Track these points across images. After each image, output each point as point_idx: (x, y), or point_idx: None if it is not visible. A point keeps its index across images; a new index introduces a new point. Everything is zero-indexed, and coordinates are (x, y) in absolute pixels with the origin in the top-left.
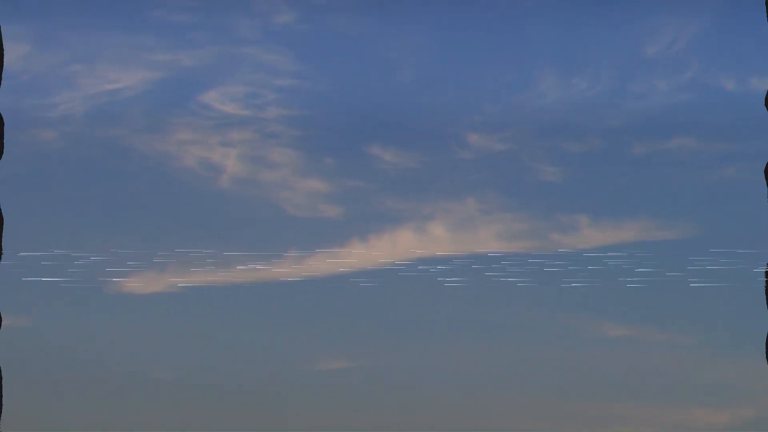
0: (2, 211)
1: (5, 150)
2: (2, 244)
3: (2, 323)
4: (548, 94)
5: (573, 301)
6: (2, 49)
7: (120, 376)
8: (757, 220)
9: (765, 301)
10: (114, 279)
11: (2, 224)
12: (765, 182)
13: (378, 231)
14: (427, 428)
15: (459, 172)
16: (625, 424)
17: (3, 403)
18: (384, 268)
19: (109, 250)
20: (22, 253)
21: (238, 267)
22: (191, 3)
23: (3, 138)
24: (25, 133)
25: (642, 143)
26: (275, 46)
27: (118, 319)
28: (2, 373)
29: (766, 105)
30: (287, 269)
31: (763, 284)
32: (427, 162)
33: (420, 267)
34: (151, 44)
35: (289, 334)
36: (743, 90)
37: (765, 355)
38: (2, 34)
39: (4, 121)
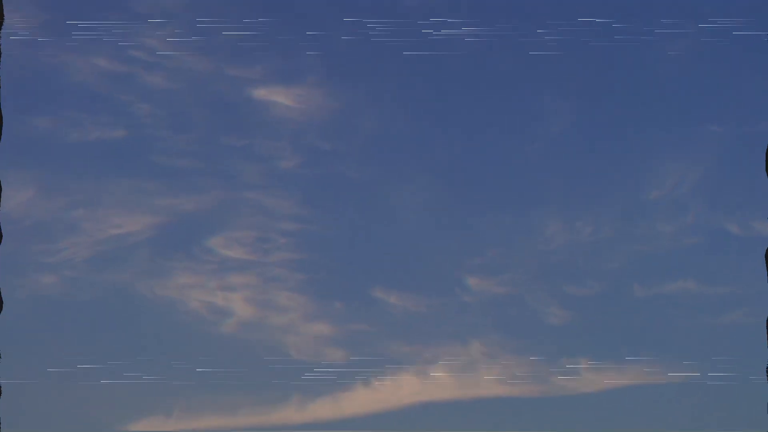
0: (1, 354)
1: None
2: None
3: None
4: (552, 237)
5: None
6: None
7: None
8: (758, 365)
9: None
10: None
11: None
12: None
13: (381, 374)
14: None
15: (463, 314)
16: None
17: None
18: (387, 412)
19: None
20: None
21: (240, 412)
22: (195, 149)
23: None
24: (26, 278)
25: (643, 286)
26: (279, 191)
27: None
28: None
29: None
30: (290, 414)
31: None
32: (431, 305)
33: (423, 412)
34: (155, 189)
35: None
36: (746, 234)
37: None
38: (6, 181)
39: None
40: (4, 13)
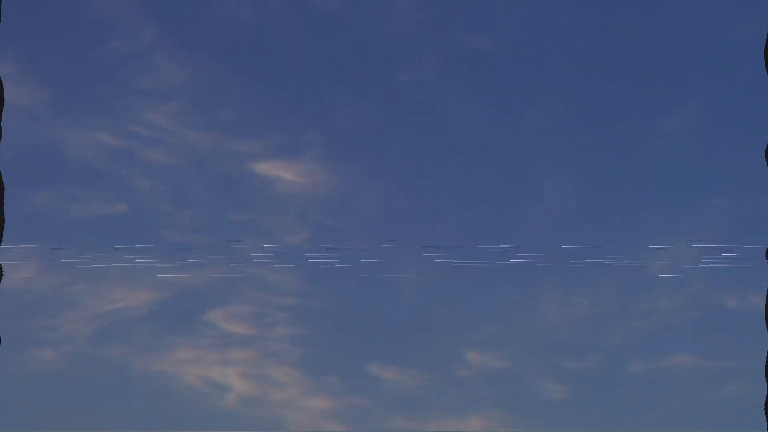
0: None
1: (1, 373)
2: None
3: None
4: (550, 312)
5: None
6: None
7: None
8: None
9: None
10: None
11: None
12: (764, 413)
13: None
14: None
15: (461, 389)
16: None
17: None
18: None
19: None
20: None
21: None
22: (196, 224)
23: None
24: (25, 354)
25: (642, 360)
26: (281, 266)
27: None
28: None
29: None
30: None
31: None
32: (430, 379)
33: None
34: (157, 264)
35: None
36: (744, 308)
37: None
38: (7, 257)
39: (3, 343)
40: (5, 91)
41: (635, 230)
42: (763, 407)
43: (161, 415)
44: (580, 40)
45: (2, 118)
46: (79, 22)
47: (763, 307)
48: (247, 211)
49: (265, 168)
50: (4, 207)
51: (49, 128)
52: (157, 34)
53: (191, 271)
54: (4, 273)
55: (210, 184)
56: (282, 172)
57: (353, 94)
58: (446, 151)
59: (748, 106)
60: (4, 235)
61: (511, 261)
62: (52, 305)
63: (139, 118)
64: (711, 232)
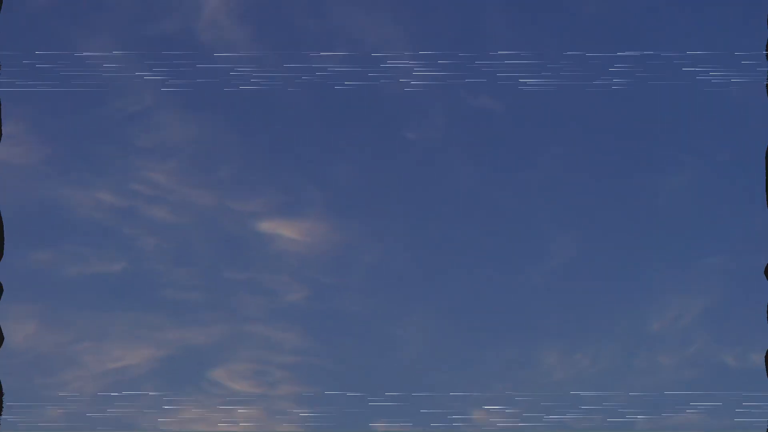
0: None
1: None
2: None
3: None
4: (551, 370)
5: None
6: None
7: None
8: None
9: None
10: None
11: None
12: None
13: None
14: None
15: None
16: None
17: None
18: None
19: None
20: None
21: None
22: (198, 282)
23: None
24: (28, 414)
25: (645, 419)
26: (283, 324)
27: None
28: None
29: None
30: None
31: None
32: None
33: None
34: (159, 323)
35: None
36: (744, 366)
37: None
38: (8, 316)
39: (6, 401)
40: (3, 150)
41: (637, 287)
42: None
43: None
44: (583, 97)
45: (2, 178)
46: (81, 81)
47: (764, 365)
48: (248, 268)
49: (266, 226)
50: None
51: (49, 187)
52: (160, 92)
53: (193, 329)
54: (4, 335)
55: (211, 242)
56: (283, 230)
57: (356, 151)
58: (449, 208)
59: (752, 164)
60: (4, 294)
61: (513, 317)
62: (53, 364)
63: (140, 176)
64: (712, 289)
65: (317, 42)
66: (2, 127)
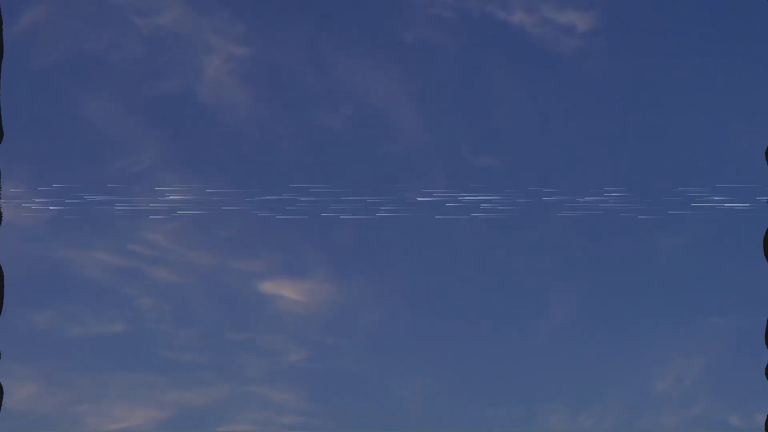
0: None
1: None
2: None
3: None
4: (555, 430)
5: None
6: None
7: None
8: None
9: None
10: None
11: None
12: None
13: None
14: None
15: None
16: None
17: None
18: None
19: None
20: None
21: None
22: (199, 343)
23: None
24: None
25: None
26: (284, 385)
27: None
28: None
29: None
30: None
31: None
32: None
33: None
34: (160, 384)
35: None
36: (748, 426)
37: None
38: (8, 377)
39: None
40: (3, 214)
41: (640, 346)
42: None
43: None
44: (582, 154)
45: (1, 237)
46: (82, 142)
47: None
48: (249, 329)
49: (267, 287)
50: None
51: (50, 247)
52: (163, 152)
53: (194, 390)
54: (5, 394)
55: (212, 303)
56: (285, 290)
57: (357, 212)
58: (451, 267)
59: (751, 224)
60: (3, 355)
61: (516, 377)
62: (54, 425)
63: (141, 237)
64: (712, 349)
65: (319, 100)
66: (2, 183)
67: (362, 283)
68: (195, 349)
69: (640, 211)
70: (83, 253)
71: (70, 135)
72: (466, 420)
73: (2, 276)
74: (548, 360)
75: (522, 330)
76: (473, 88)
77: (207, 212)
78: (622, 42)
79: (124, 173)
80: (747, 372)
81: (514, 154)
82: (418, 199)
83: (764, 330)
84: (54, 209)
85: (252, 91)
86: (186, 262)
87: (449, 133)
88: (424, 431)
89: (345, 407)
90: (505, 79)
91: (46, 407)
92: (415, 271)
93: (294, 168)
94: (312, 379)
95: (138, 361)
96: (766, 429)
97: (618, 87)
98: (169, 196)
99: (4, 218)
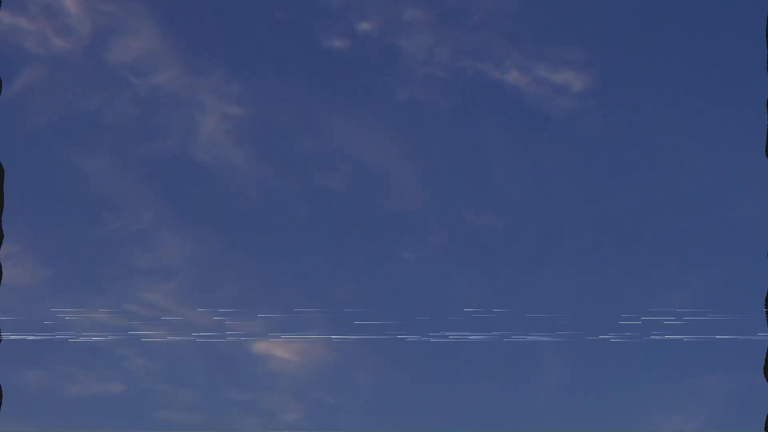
0: None
1: None
2: None
3: None
4: None
5: None
6: None
7: None
8: None
9: None
10: None
11: None
12: None
13: None
14: None
15: None
16: None
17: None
18: None
19: None
20: None
21: None
22: (196, 403)
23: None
24: None
25: None
26: None
27: None
28: None
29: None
30: None
31: None
32: None
33: None
34: None
35: None
36: None
37: None
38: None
39: None
40: (3, 269)
41: (633, 405)
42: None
43: None
44: (581, 216)
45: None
46: (82, 202)
47: None
48: (244, 389)
49: (263, 346)
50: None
51: (48, 307)
52: (160, 212)
53: None
54: None
55: (208, 363)
56: (280, 350)
57: (355, 272)
58: (446, 326)
59: (748, 284)
60: (1, 414)
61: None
62: None
63: (139, 297)
64: (708, 409)
65: (316, 160)
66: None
67: (358, 342)
68: (191, 408)
69: (635, 273)
70: (80, 313)
71: (66, 195)
72: None
73: None
74: (544, 421)
75: (517, 391)
76: (468, 147)
77: (204, 271)
78: (616, 101)
79: (121, 233)
80: (743, 429)
81: (510, 213)
82: (412, 258)
83: (760, 390)
84: (51, 269)
85: (249, 150)
86: (182, 322)
87: (445, 192)
88: None
89: None
90: (498, 138)
91: None
92: (409, 330)
93: (292, 227)
94: None
95: (134, 421)
96: (765, 429)
97: (611, 146)
98: (167, 255)
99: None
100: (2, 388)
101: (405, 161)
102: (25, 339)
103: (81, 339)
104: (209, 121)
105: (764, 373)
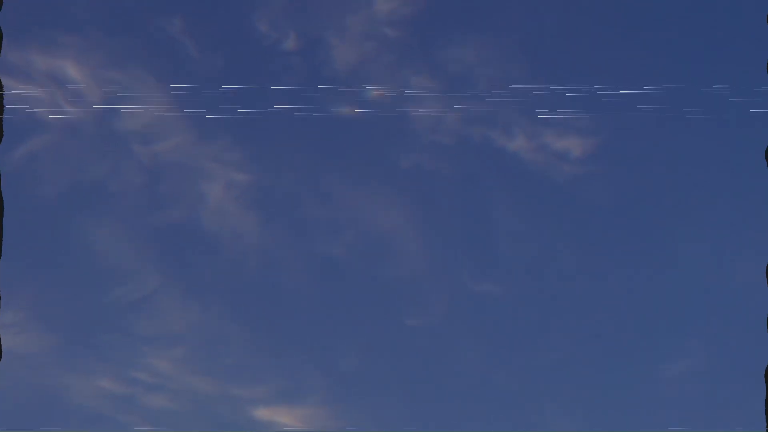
0: None
1: None
2: None
3: None
4: None
5: None
6: None
7: None
8: None
9: None
10: None
11: None
12: None
13: None
14: None
15: None
16: None
17: None
18: None
19: None
20: None
21: None
22: None
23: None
24: None
25: None
26: None
27: None
28: None
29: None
30: None
31: None
32: None
33: None
34: None
35: None
36: None
37: None
38: None
39: None
40: (6, 340)
41: None
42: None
43: None
44: (584, 282)
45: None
46: (85, 270)
47: None
48: None
49: (266, 413)
50: None
51: (51, 375)
52: (163, 280)
53: None
54: None
55: (211, 430)
56: (283, 418)
57: (358, 339)
58: (451, 394)
59: (749, 349)
60: None
61: None
62: None
63: (142, 364)
64: None
65: (320, 227)
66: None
67: (362, 410)
68: None
69: (642, 340)
70: (84, 381)
71: (71, 262)
72: None
73: None
74: None
75: None
76: (472, 214)
77: (208, 339)
78: (619, 166)
79: (127, 300)
80: None
81: (514, 281)
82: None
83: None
84: (55, 337)
85: (253, 218)
86: (186, 389)
87: (449, 259)
88: None
89: None
90: (501, 204)
91: None
92: (415, 400)
93: (296, 295)
94: None
95: None
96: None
97: (615, 212)
98: (171, 323)
99: (4, 346)
100: None
101: (409, 228)
102: (27, 408)
103: (81, 406)
104: (215, 188)
105: (765, 376)
